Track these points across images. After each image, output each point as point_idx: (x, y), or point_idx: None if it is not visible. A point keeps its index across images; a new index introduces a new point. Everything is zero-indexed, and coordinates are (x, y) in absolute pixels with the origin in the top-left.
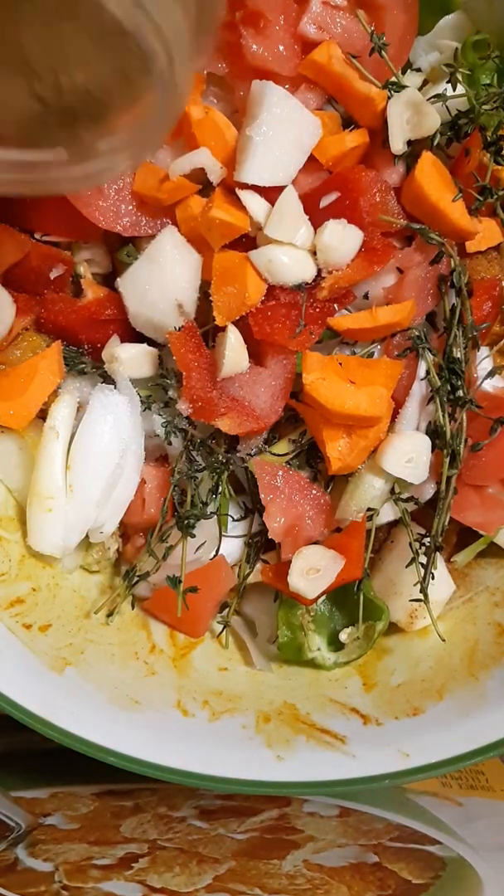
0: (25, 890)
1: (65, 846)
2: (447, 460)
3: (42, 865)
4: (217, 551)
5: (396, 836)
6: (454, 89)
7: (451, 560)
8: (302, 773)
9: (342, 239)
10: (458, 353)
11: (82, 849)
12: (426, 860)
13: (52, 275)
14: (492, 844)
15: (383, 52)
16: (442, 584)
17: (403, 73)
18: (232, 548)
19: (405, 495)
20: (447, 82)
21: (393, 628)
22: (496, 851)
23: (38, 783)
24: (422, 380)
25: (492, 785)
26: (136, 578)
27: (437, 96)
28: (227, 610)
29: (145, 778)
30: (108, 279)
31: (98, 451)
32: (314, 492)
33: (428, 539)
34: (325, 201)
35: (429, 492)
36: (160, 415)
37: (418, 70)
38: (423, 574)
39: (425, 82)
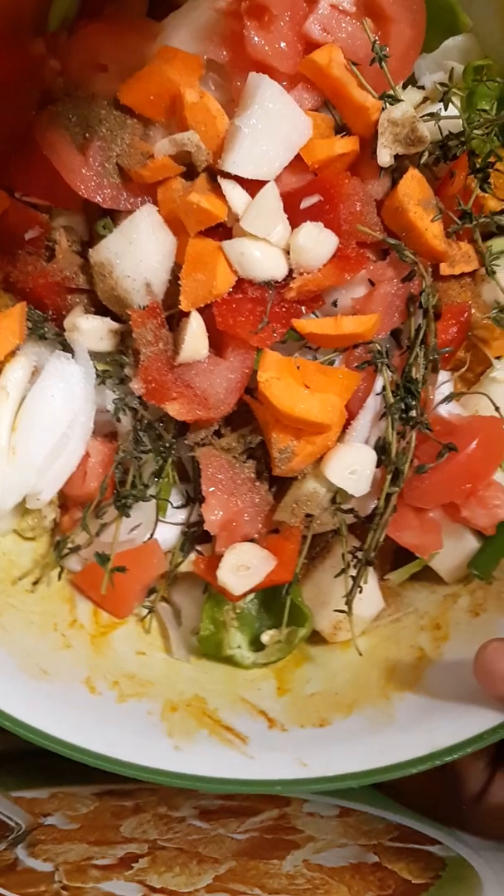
0: (25, 890)
1: (65, 846)
2: (389, 477)
3: (42, 865)
4: (152, 535)
5: (396, 836)
6: (445, 109)
7: (385, 578)
8: (196, 767)
9: (316, 241)
10: (416, 374)
11: (82, 849)
12: (426, 860)
13: (27, 236)
14: (492, 844)
15: (383, 63)
16: (370, 599)
17: (405, 88)
18: (169, 534)
19: (345, 506)
20: (441, 101)
21: (318, 638)
22: (496, 851)
23: (38, 783)
24: (377, 395)
25: None
26: (66, 550)
27: (431, 114)
28: (154, 595)
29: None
30: (84, 249)
31: (46, 417)
32: (256, 490)
33: (361, 553)
34: (306, 203)
35: (370, 506)
36: (113, 391)
37: (421, 87)
38: (350, 586)
39: (425, 100)
